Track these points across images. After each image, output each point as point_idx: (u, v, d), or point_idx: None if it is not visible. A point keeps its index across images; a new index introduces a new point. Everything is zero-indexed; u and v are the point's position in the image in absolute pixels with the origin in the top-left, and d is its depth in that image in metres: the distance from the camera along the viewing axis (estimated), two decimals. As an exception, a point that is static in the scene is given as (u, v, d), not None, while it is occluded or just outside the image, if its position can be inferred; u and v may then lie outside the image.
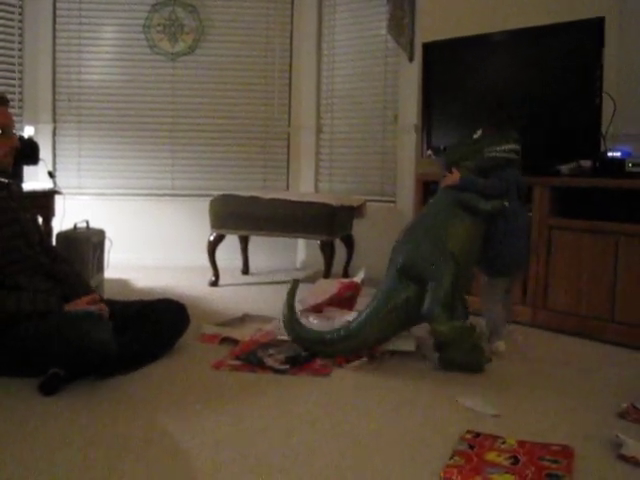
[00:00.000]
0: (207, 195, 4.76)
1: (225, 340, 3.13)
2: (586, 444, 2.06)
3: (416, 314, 2.82)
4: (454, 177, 3.00)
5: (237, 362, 2.84)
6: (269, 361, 2.80)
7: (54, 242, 3.80)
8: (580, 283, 3.37)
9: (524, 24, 3.72)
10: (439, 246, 2.86)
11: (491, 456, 1.94)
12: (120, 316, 2.76)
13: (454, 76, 4.08)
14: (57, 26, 5.26)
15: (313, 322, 3.13)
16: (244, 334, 3.19)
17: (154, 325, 2.86)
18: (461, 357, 2.76)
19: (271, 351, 2.92)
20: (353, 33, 5.18)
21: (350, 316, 3.14)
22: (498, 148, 2.99)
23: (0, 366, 2.59)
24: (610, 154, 3.39)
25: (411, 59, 4.60)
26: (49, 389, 2.40)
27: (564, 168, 3.62)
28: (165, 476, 1.83)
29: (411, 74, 4.60)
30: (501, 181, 2.98)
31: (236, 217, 4.49)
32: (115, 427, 2.16)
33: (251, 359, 2.84)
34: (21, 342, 2.53)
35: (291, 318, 2.96)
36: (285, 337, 3.07)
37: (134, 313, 2.88)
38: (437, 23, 4.39)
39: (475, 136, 3.09)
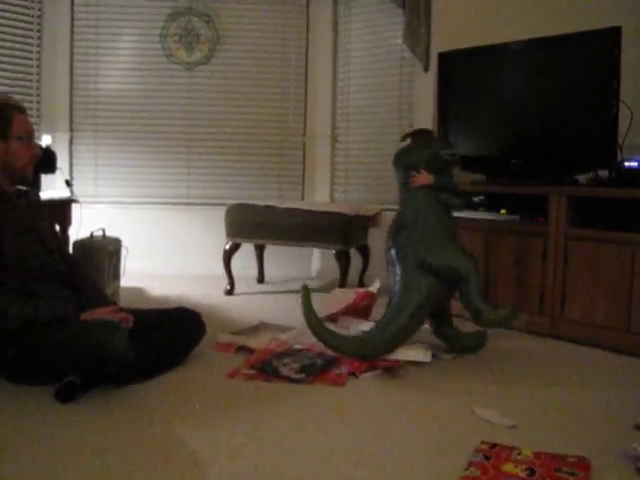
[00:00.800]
0: (222, 204, 4.77)
1: (240, 349, 3.14)
2: (603, 456, 2.04)
3: (435, 307, 3.07)
4: (427, 177, 3.18)
5: (252, 371, 2.84)
6: (284, 370, 2.80)
7: (71, 250, 3.82)
8: (596, 293, 3.35)
9: (540, 34, 3.71)
10: (458, 244, 3.17)
11: (507, 467, 1.93)
12: (136, 325, 2.77)
13: (470, 86, 4.08)
14: (75, 36, 5.31)
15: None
16: (259, 343, 3.19)
17: (170, 334, 2.87)
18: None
19: (286, 360, 2.91)
20: (369, 42, 5.19)
21: (366, 325, 3.19)
22: (449, 151, 3.25)
23: (17, 374, 2.61)
24: (627, 164, 3.37)
25: (427, 69, 4.60)
26: (65, 397, 2.41)
27: (582, 178, 3.61)
28: (180, 485, 1.84)
29: (427, 84, 4.61)
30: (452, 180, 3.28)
31: (251, 226, 4.50)
32: (130, 435, 2.16)
33: (266, 368, 2.84)
34: (38, 350, 2.54)
35: (318, 325, 2.95)
36: (300, 346, 3.07)
37: (150, 322, 2.89)
38: (453, 33, 4.39)
39: (403, 143, 3.39)
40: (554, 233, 3.49)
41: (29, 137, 2.80)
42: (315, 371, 2.81)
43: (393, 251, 3.14)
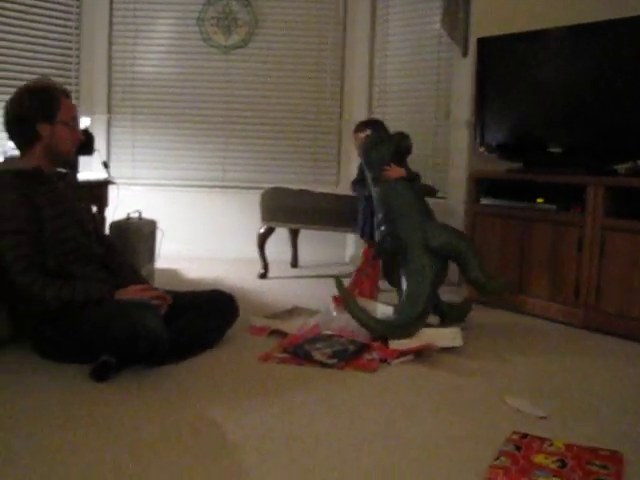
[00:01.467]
0: (258, 187, 4.80)
1: (274, 332, 3.16)
2: (636, 450, 2.02)
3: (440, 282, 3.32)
4: (399, 170, 3.49)
5: (285, 355, 2.85)
6: (317, 355, 2.81)
7: (107, 232, 3.87)
8: (632, 285, 3.31)
9: (582, 20, 3.65)
10: (448, 226, 3.41)
11: (538, 458, 1.92)
12: (171, 306, 2.79)
13: (508, 72, 4.03)
14: (113, 19, 5.35)
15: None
16: (292, 327, 3.21)
17: (204, 316, 2.90)
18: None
19: (319, 345, 2.92)
20: (406, 27, 5.15)
21: (383, 308, 3.37)
22: (407, 143, 3.55)
23: (55, 353, 2.66)
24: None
25: (465, 54, 4.55)
26: (100, 376, 2.45)
27: (621, 168, 3.56)
28: (211, 465, 1.85)
29: (464, 69, 4.56)
30: None
31: (286, 210, 4.52)
32: (163, 415, 2.19)
33: (299, 352, 2.85)
34: (74, 330, 2.58)
35: (361, 313, 3.03)
36: (330, 332, 3.08)
37: (185, 303, 2.91)
38: (492, 18, 4.34)
39: (362, 134, 3.72)
40: (591, 223, 3.44)
41: (74, 121, 2.84)
42: (347, 357, 2.81)
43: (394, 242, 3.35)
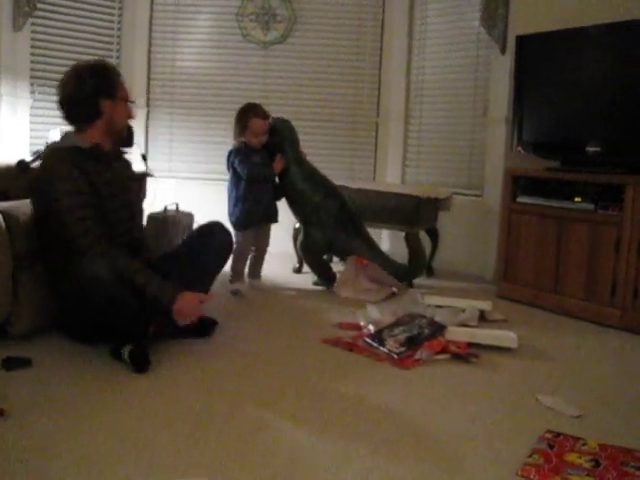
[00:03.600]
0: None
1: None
2: (671, 451, 2.01)
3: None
4: (304, 152, 4.19)
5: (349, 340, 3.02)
6: (389, 342, 2.90)
7: (145, 223, 3.91)
8: (672, 286, 3.27)
9: (621, 17, 3.61)
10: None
11: (571, 457, 1.92)
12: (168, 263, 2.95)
13: (547, 70, 4.00)
14: (154, 14, 5.40)
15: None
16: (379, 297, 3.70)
17: (191, 262, 3.01)
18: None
19: (397, 330, 3.02)
20: (445, 24, 5.13)
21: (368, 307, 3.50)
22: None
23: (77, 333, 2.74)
24: None
25: (503, 51, 4.52)
26: (139, 367, 2.49)
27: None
28: (244, 450, 1.89)
29: (503, 66, 4.53)
30: None
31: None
32: (199, 403, 2.23)
33: (375, 339, 2.95)
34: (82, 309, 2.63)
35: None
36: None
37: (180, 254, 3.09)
38: (531, 15, 4.30)
39: (263, 121, 3.99)
40: (629, 223, 3.41)
41: (128, 99, 2.94)
42: (419, 341, 2.90)
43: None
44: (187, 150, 5.50)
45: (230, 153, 4.01)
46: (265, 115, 3.99)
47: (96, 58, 2.94)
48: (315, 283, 4.23)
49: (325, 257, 4.36)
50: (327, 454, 1.91)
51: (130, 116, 2.95)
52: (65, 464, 1.78)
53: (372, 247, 4.19)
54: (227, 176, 4.04)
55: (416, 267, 4.33)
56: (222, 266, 3.22)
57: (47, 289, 2.81)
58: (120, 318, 2.55)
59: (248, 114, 3.98)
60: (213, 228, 3.14)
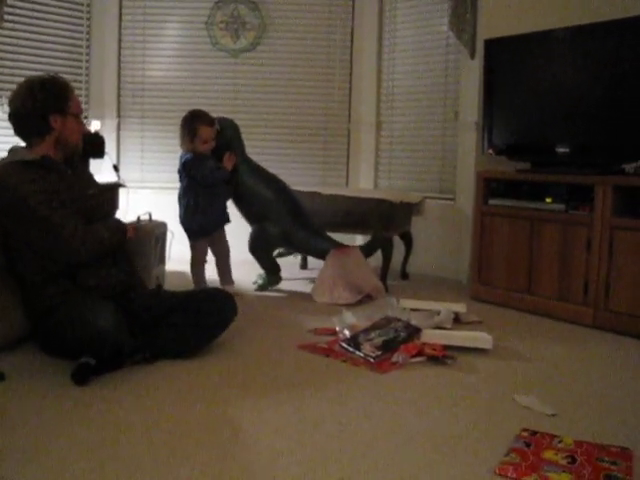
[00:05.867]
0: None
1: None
2: (646, 446, 2.03)
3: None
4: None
5: (324, 345, 3.02)
6: (366, 347, 2.90)
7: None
8: (643, 284, 3.32)
9: (589, 20, 3.67)
10: None
11: (548, 454, 1.93)
12: (159, 307, 2.88)
13: (516, 73, 4.05)
14: (123, 23, 5.38)
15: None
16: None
17: (194, 315, 2.85)
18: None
19: (373, 334, 3.03)
20: (414, 29, 5.16)
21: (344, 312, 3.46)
22: None
23: (58, 350, 2.71)
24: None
25: (472, 56, 4.56)
26: (79, 379, 2.45)
27: (628, 167, 3.56)
28: (224, 462, 1.88)
29: (472, 71, 4.57)
30: None
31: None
32: (176, 413, 2.22)
33: (351, 344, 2.95)
34: (55, 332, 2.65)
35: None
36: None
37: (175, 304, 2.91)
38: (499, 19, 4.35)
39: (217, 127, 4.07)
40: (599, 222, 3.45)
41: (80, 114, 2.90)
42: (395, 345, 2.92)
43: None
44: (159, 160, 5.47)
45: (186, 162, 4.03)
46: (211, 122, 4.00)
47: (50, 73, 2.89)
48: (260, 288, 4.28)
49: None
50: (306, 460, 1.90)
51: (82, 132, 2.92)
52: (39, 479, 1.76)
53: (328, 238, 4.31)
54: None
55: (374, 241, 4.37)
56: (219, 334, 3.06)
57: (18, 301, 2.80)
58: (104, 352, 2.54)
59: (195, 123, 4.00)
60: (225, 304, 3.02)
